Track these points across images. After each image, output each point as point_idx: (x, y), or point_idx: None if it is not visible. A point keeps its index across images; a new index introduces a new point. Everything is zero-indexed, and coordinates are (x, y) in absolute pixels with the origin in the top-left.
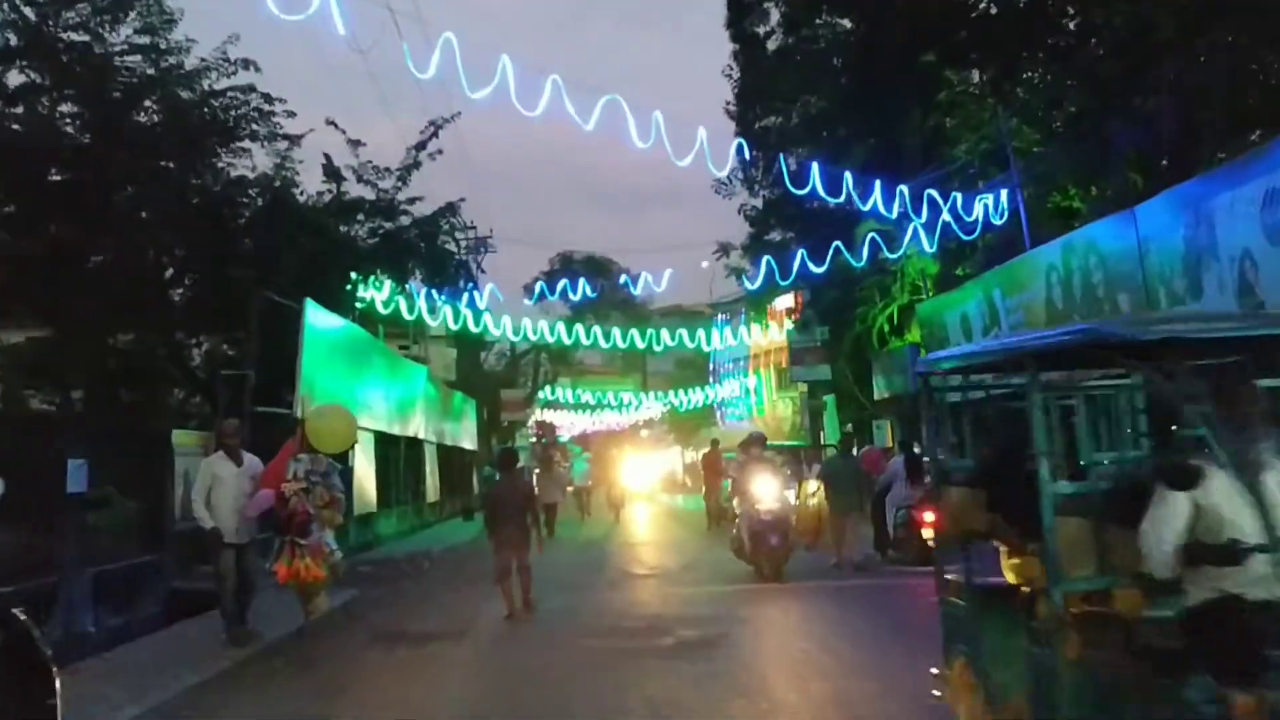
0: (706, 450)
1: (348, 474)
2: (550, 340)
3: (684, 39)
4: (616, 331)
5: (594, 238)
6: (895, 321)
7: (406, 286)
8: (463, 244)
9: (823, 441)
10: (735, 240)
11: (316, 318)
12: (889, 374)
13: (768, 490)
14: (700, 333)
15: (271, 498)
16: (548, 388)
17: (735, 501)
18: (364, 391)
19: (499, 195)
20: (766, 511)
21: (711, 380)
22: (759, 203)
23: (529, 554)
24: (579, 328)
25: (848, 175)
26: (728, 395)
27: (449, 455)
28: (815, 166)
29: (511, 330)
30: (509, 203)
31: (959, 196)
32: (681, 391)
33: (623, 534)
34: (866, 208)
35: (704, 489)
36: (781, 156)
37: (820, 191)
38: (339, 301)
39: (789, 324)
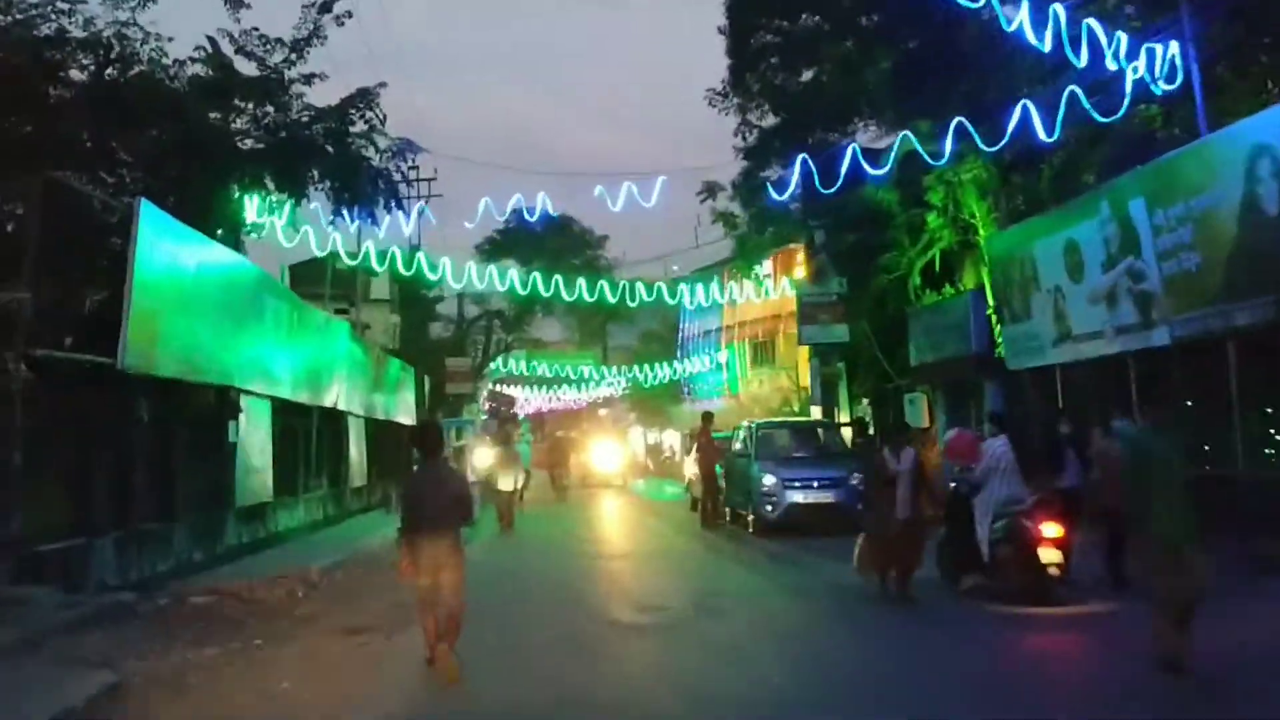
0: (696, 427)
1: (227, 452)
2: (502, 288)
3: None
4: (583, 282)
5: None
6: (937, 268)
7: (304, 201)
8: (383, 150)
9: (837, 419)
10: (724, 178)
11: (158, 229)
12: (931, 333)
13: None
14: (682, 289)
15: None
16: (500, 359)
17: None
18: (250, 346)
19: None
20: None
21: (679, 355)
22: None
23: (459, 579)
24: (536, 276)
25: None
26: (697, 371)
27: (381, 432)
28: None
29: (451, 274)
30: (450, 121)
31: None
32: (646, 367)
33: (588, 533)
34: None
35: (692, 476)
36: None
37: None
38: (209, 221)
39: (798, 276)
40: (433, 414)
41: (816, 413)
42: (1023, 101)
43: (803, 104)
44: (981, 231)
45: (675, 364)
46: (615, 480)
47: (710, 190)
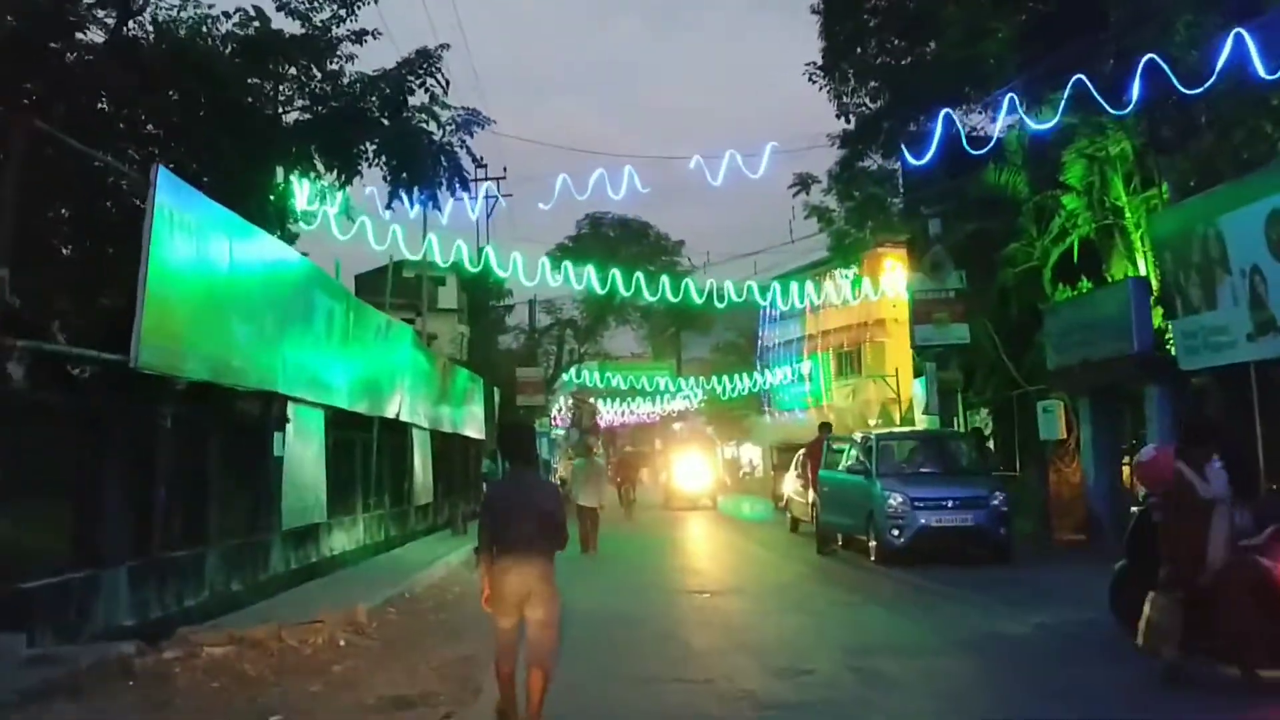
0: (810, 444)
1: (271, 467)
2: (577, 286)
3: None
4: (665, 280)
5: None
6: (1075, 258)
7: (356, 180)
8: (445, 124)
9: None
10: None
11: (182, 203)
12: (1075, 332)
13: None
14: (774, 287)
15: None
16: (572, 370)
17: None
18: (299, 349)
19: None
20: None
21: (759, 366)
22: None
23: (552, 616)
24: (615, 273)
25: None
26: (778, 382)
27: (448, 446)
28: None
29: (523, 271)
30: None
31: None
32: (724, 378)
33: (679, 560)
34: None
35: (792, 494)
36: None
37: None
38: (249, 204)
39: (892, 277)
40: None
41: (923, 425)
42: (1235, 32)
43: (909, 81)
44: (1129, 215)
45: (754, 375)
46: (704, 500)
47: (803, 183)
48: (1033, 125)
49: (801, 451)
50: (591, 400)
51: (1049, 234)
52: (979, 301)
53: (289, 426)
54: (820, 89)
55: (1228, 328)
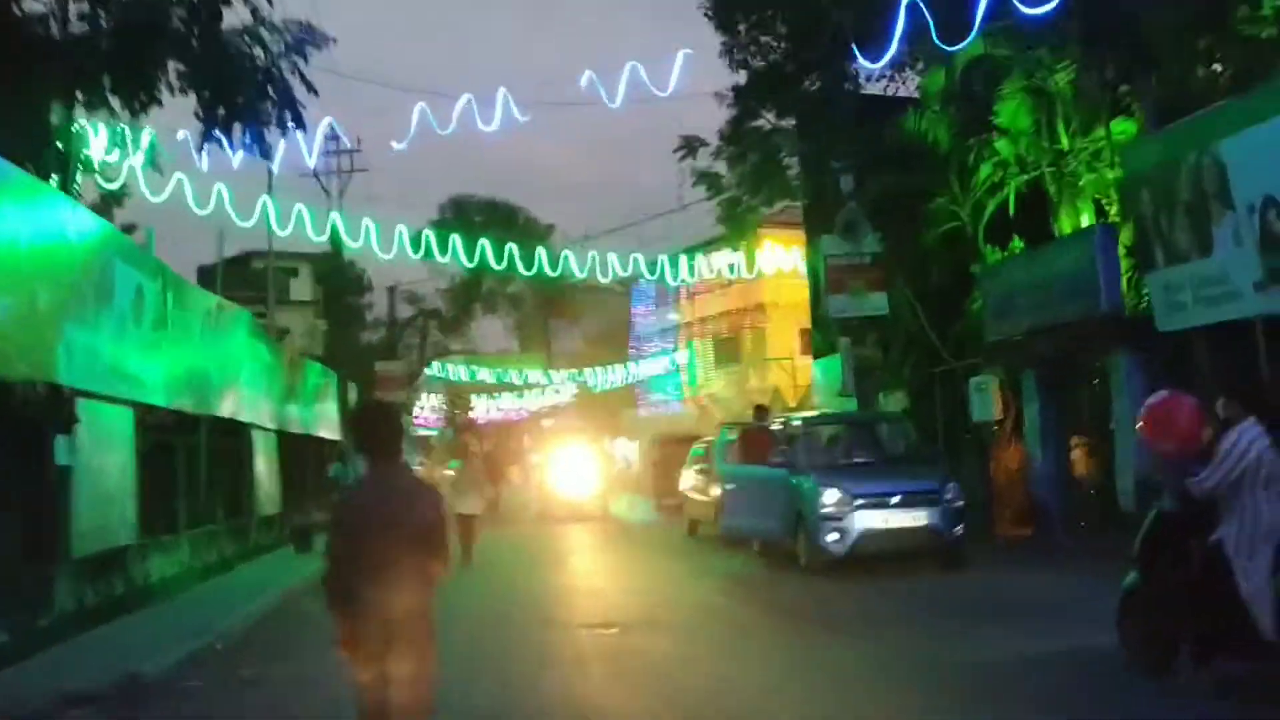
0: (744, 432)
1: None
2: (442, 260)
3: None
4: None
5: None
6: (1012, 210)
7: (153, 109)
8: (271, 45)
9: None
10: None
11: None
12: (1021, 295)
13: None
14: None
15: None
16: (435, 363)
17: None
18: (93, 332)
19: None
20: None
21: (633, 357)
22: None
23: (426, 672)
24: (485, 244)
25: None
26: (653, 373)
27: (299, 449)
28: None
29: (378, 242)
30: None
31: None
32: (598, 370)
33: (570, 577)
34: None
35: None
36: None
37: None
38: (19, 148)
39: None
40: None
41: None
42: None
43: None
44: (1076, 156)
45: (627, 365)
46: (591, 508)
47: (689, 146)
48: (946, 48)
49: (709, 442)
50: (467, 395)
51: (979, 187)
52: (898, 268)
53: (78, 428)
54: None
55: (1227, 276)
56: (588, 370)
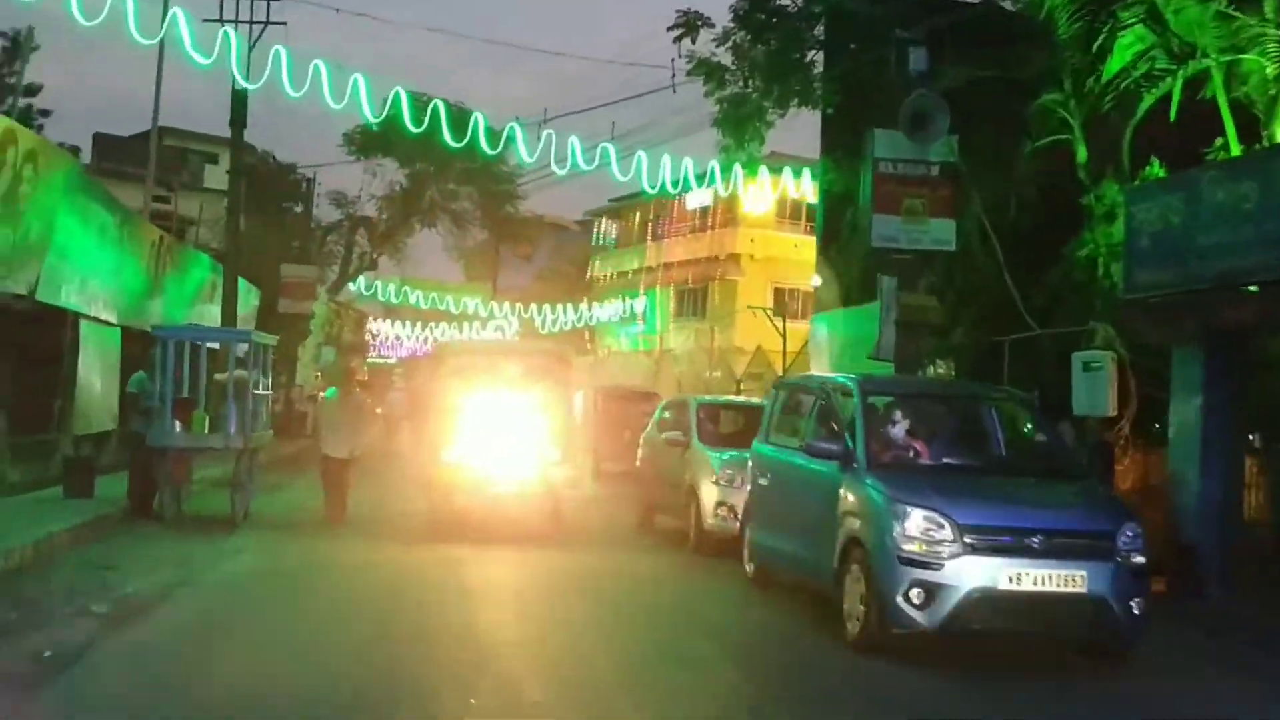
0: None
1: None
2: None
3: None
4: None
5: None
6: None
7: None
8: None
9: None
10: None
11: None
12: (1197, 228)
13: None
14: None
15: None
16: (362, 279)
17: None
18: None
19: None
20: None
21: (588, 300)
22: None
23: None
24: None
25: None
26: (606, 318)
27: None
28: None
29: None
30: None
31: None
32: (546, 309)
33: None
34: None
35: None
36: None
37: None
38: None
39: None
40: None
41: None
42: None
43: None
44: None
45: (580, 307)
46: (535, 489)
47: (689, 24)
48: None
49: (680, 405)
50: (360, 310)
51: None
52: (975, 188)
53: None
54: None
55: None
56: (535, 308)
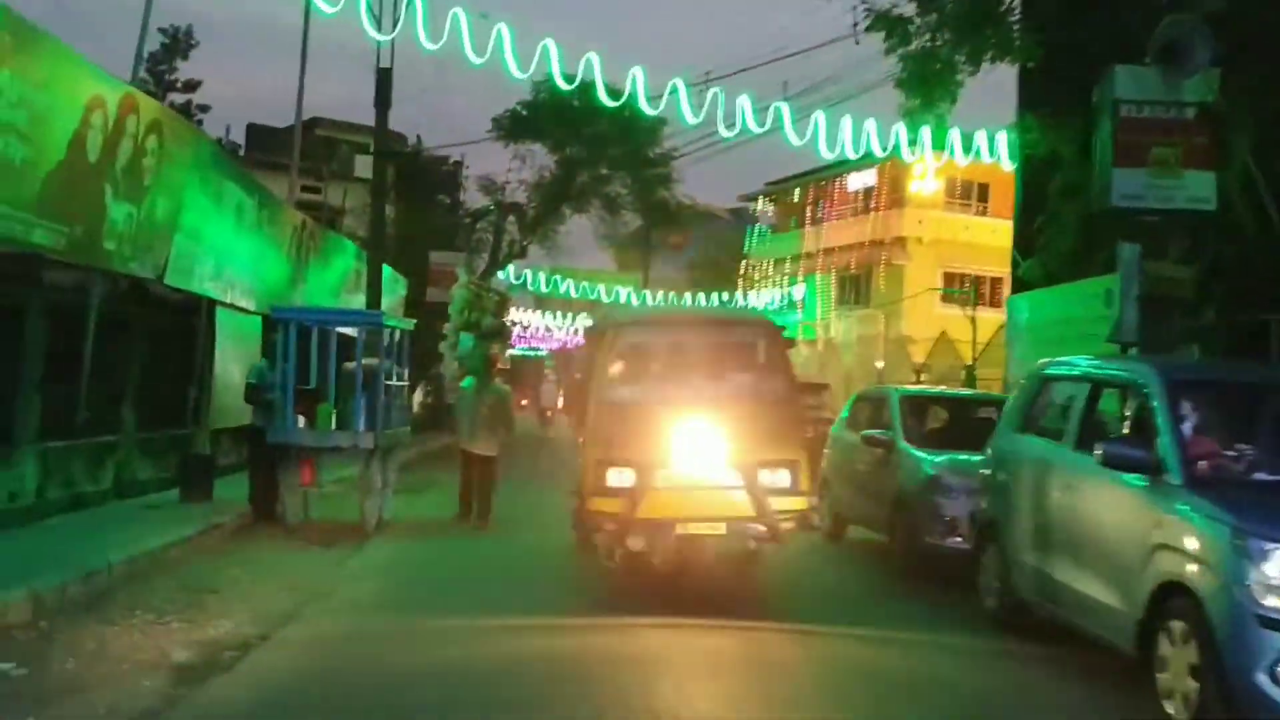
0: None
1: None
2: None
3: None
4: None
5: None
6: None
7: None
8: None
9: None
10: None
11: None
12: None
13: None
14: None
15: None
16: (511, 268)
17: None
18: None
19: None
20: None
21: (742, 288)
22: None
23: None
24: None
25: None
26: (763, 306)
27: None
28: None
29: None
30: None
31: None
32: (699, 298)
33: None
34: None
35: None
36: None
37: None
38: None
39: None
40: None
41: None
42: None
43: None
44: None
45: (735, 296)
46: (747, 528)
47: None
48: None
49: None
50: (499, 293)
51: None
52: (1242, 134)
53: None
54: None
55: None
56: (688, 297)
